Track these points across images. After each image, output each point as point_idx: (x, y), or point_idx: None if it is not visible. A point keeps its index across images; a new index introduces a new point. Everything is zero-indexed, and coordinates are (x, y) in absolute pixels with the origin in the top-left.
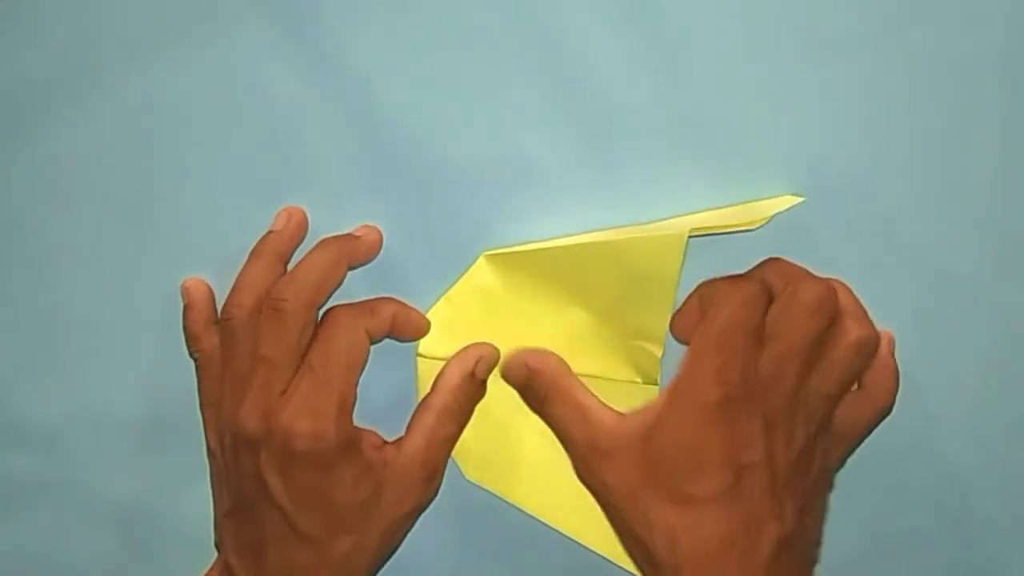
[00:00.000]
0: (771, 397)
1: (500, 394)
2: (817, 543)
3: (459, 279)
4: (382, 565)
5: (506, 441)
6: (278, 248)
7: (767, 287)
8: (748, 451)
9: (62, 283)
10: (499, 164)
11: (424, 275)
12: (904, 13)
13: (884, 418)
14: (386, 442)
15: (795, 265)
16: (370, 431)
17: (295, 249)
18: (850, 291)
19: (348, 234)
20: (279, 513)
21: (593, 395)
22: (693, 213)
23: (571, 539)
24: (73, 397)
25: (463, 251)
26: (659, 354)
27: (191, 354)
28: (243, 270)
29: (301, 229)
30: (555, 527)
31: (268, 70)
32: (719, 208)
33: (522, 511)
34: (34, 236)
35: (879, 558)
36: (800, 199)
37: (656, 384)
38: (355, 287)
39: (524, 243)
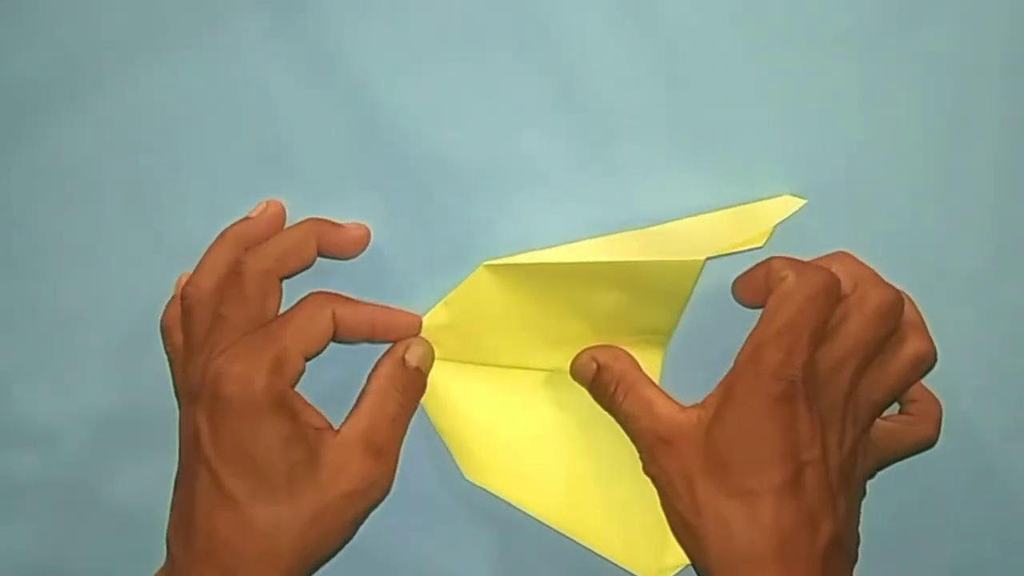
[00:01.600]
0: (827, 395)
1: (499, 395)
2: (857, 543)
3: (458, 285)
4: (323, 558)
5: (506, 441)
6: (244, 235)
7: (837, 285)
8: (808, 448)
9: (62, 283)
10: (499, 164)
11: (423, 275)
12: (904, 13)
13: (923, 451)
14: (330, 425)
15: (865, 266)
16: (314, 409)
17: (263, 239)
18: (914, 305)
19: (329, 220)
20: (206, 468)
21: (659, 388)
22: (694, 215)
23: (571, 539)
24: (73, 397)
25: (462, 251)
26: (666, 340)
27: (164, 348)
28: (206, 253)
29: (274, 221)
30: (555, 527)
31: (268, 70)
32: (720, 209)
33: (522, 511)
34: (34, 236)
35: (879, 558)
36: (802, 201)
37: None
38: (355, 287)
39: (525, 251)
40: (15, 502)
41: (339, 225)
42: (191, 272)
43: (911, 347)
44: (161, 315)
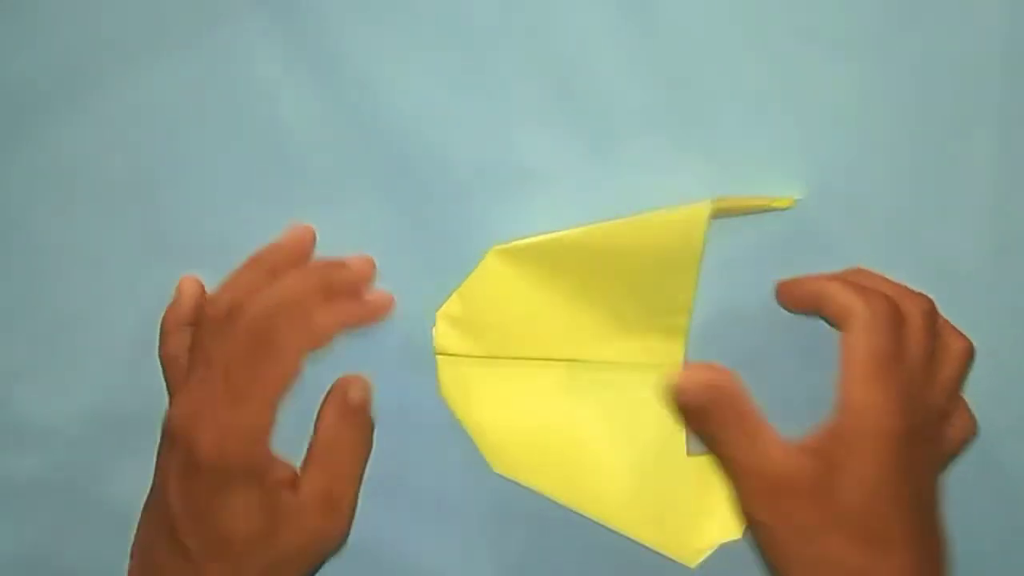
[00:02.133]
0: (925, 423)
1: (522, 388)
2: None
3: (469, 275)
4: None
5: (531, 435)
6: (272, 260)
7: (899, 310)
8: (929, 485)
9: (62, 283)
10: (499, 164)
11: (423, 275)
12: (904, 13)
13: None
14: (295, 477)
15: (890, 281)
16: (280, 461)
17: (291, 265)
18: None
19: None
20: (168, 516)
21: (765, 421)
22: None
23: (602, 524)
24: (73, 397)
25: (463, 251)
26: (686, 324)
27: (158, 352)
28: (231, 276)
29: (302, 247)
30: (585, 514)
31: (268, 70)
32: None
33: (552, 500)
34: (34, 236)
35: None
36: (791, 202)
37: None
38: None
39: (531, 236)
40: (15, 502)
41: (345, 266)
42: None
43: (956, 346)
44: (161, 318)
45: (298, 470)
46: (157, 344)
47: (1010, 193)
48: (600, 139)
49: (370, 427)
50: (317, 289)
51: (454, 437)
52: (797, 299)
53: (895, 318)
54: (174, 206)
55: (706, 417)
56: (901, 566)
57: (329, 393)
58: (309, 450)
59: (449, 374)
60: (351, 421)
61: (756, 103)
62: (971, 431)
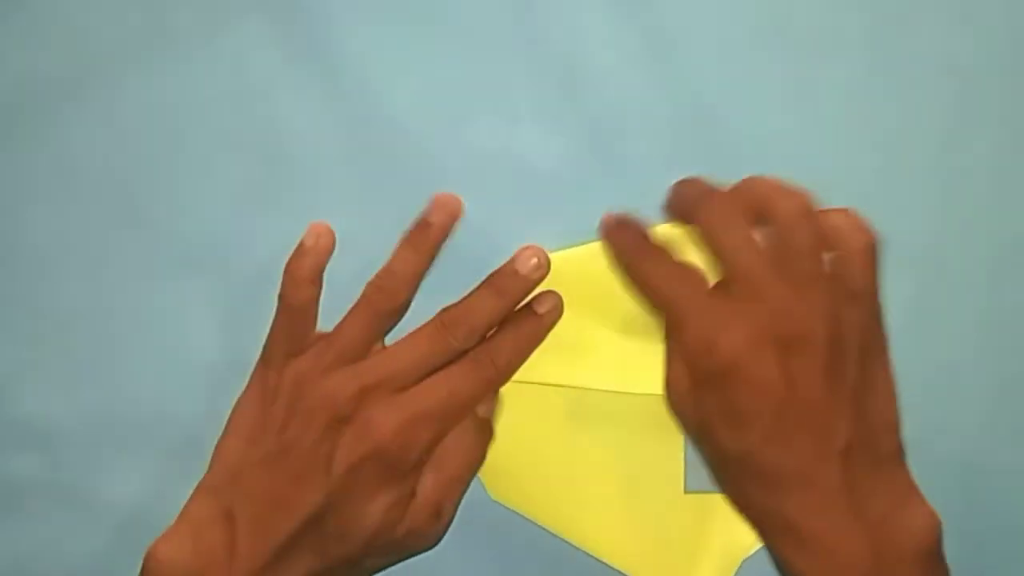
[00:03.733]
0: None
1: (526, 413)
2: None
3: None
4: None
5: (528, 462)
6: (435, 242)
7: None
8: (776, 397)
9: (62, 283)
10: (498, 164)
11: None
12: (904, 14)
13: (877, 252)
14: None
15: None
16: (418, 469)
17: (443, 242)
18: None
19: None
20: (327, 496)
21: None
22: None
23: (595, 558)
24: (73, 397)
25: (462, 251)
26: None
27: (281, 295)
28: (399, 259)
29: (452, 219)
30: (580, 547)
31: (268, 71)
32: None
33: (548, 531)
34: (34, 236)
35: None
36: None
37: None
38: (355, 288)
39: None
40: (15, 502)
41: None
42: (385, 265)
43: (854, 241)
44: (290, 259)
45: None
46: (159, 341)
47: (1010, 193)
48: (600, 139)
49: (490, 440)
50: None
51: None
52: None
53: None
54: (174, 206)
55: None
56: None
57: None
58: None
59: None
60: (476, 433)
61: (756, 103)
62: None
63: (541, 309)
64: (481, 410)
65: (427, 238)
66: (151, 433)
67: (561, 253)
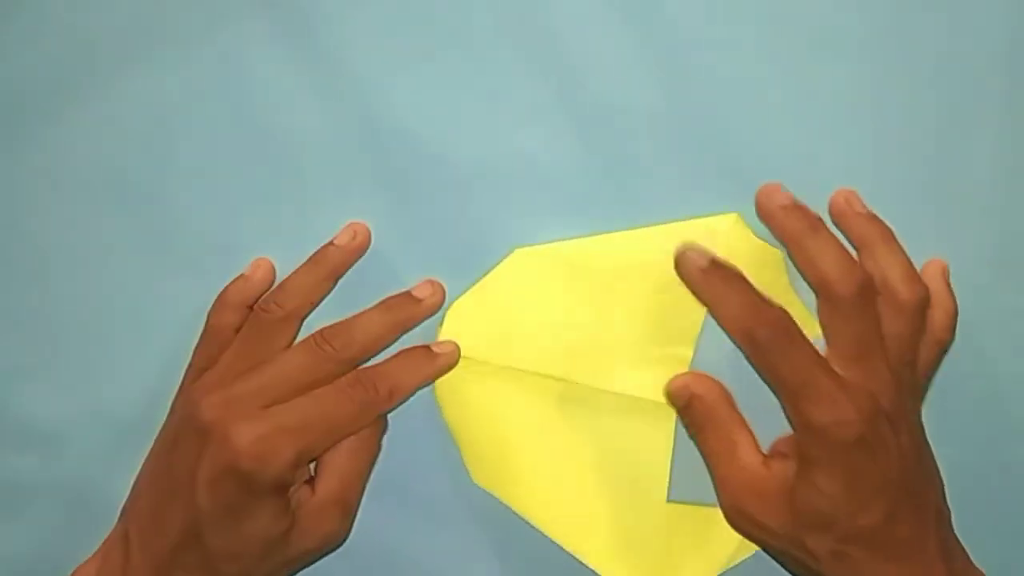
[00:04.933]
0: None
1: (517, 403)
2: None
3: (489, 272)
4: None
5: (515, 450)
6: (336, 263)
7: (874, 292)
8: (896, 467)
9: (62, 283)
10: (499, 164)
11: (423, 276)
12: (904, 14)
13: (946, 353)
14: (306, 480)
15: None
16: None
17: (350, 267)
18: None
19: (409, 296)
20: (193, 512)
21: (747, 431)
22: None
23: (570, 554)
24: (73, 397)
25: (461, 252)
26: (689, 356)
27: (207, 315)
28: (296, 273)
29: (360, 247)
30: (560, 544)
31: (269, 71)
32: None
33: (524, 519)
34: (35, 236)
35: None
36: (735, 215)
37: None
38: (354, 288)
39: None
40: (15, 502)
41: (414, 298)
42: (276, 287)
43: (937, 322)
44: (224, 289)
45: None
46: (159, 340)
47: (1010, 193)
48: (600, 139)
49: (384, 431)
50: (395, 334)
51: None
52: (775, 230)
53: (871, 310)
54: (175, 206)
55: (690, 422)
56: (887, 550)
57: None
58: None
59: (445, 375)
60: (381, 426)
61: (756, 103)
62: (936, 345)
63: (438, 349)
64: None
65: (325, 258)
66: (150, 433)
67: (575, 241)
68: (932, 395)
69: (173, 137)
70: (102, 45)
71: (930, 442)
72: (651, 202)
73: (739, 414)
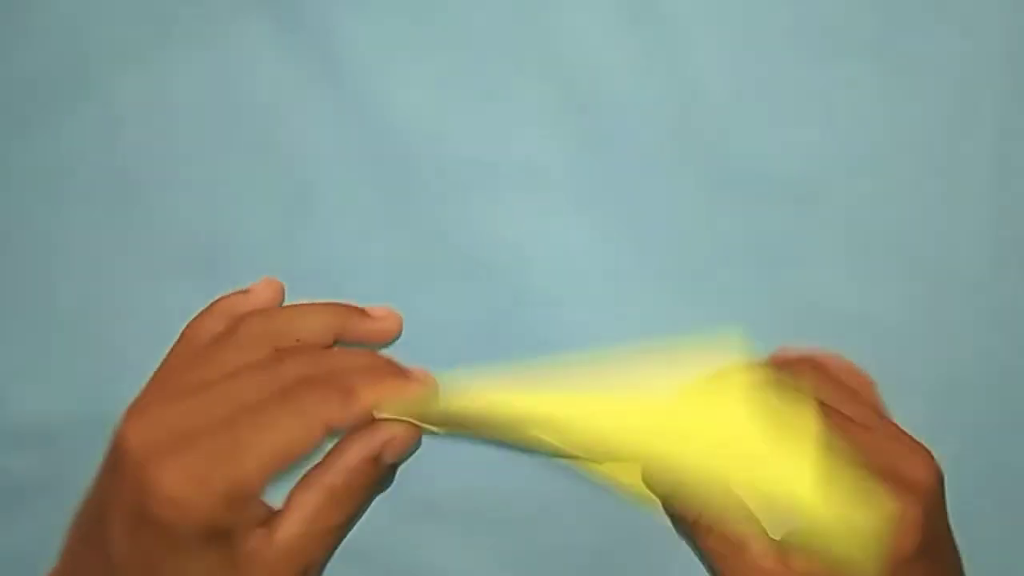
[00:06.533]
0: None
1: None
2: None
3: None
4: None
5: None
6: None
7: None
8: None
9: (62, 283)
10: (498, 164)
11: (422, 276)
12: (904, 15)
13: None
14: (269, 516)
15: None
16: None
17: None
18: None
19: (355, 308)
20: (106, 566)
21: (754, 521)
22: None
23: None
24: (73, 397)
25: (461, 252)
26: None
27: (190, 322)
28: (301, 308)
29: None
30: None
31: (269, 71)
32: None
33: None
34: (34, 236)
35: None
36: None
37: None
38: (353, 289)
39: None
40: (15, 502)
41: (366, 314)
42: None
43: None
44: (219, 298)
45: (275, 508)
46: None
47: (1010, 194)
48: (600, 139)
49: (376, 488)
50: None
51: (453, 437)
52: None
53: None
54: (175, 206)
55: (678, 515)
56: None
57: (363, 435)
58: (306, 483)
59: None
60: (373, 476)
61: (756, 103)
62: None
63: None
64: (386, 455)
65: (354, 329)
66: None
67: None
68: (933, 394)
69: (174, 138)
70: (102, 45)
71: (930, 442)
72: (651, 202)
73: (741, 500)
